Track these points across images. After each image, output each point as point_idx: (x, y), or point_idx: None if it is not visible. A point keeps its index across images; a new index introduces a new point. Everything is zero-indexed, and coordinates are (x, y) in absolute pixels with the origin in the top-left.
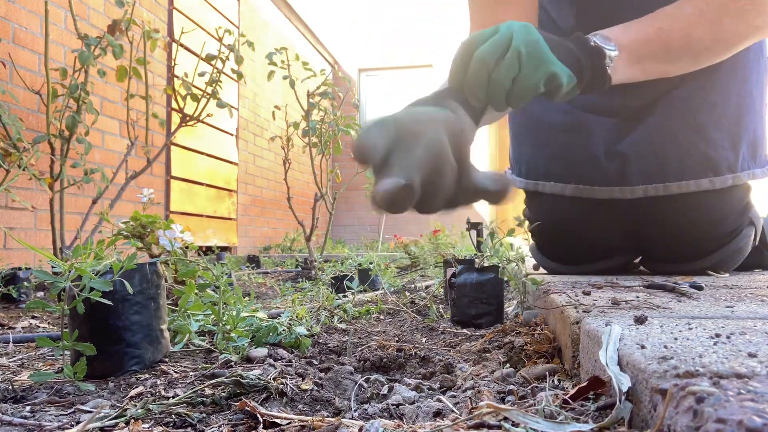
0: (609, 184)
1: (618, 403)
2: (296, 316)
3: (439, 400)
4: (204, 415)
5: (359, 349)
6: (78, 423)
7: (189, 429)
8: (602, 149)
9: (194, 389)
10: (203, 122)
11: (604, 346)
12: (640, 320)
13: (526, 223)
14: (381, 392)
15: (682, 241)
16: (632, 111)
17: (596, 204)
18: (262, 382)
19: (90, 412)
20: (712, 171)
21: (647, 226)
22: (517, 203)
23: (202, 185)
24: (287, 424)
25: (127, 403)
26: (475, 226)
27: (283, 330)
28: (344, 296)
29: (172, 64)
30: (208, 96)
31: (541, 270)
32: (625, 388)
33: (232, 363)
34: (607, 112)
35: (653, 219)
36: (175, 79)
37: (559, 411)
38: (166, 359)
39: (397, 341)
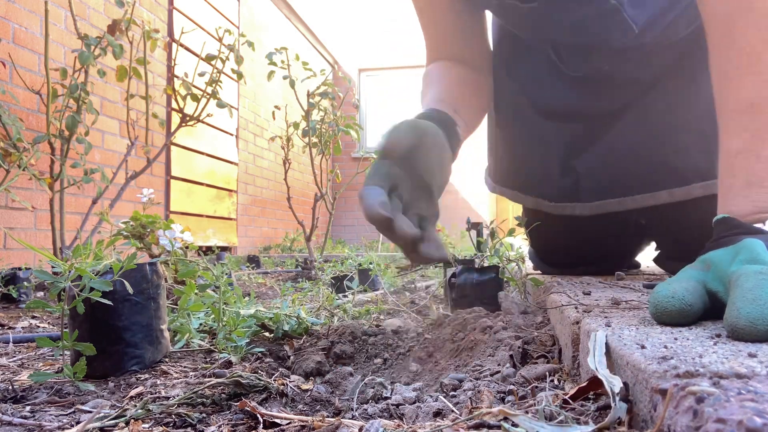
0: (563, 199)
1: (613, 404)
2: None
3: (440, 400)
4: (204, 415)
5: None
6: (78, 423)
7: (189, 429)
8: (558, 164)
9: (194, 389)
10: (203, 122)
11: (591, 351)
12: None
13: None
14: (381, 392)
15: (686, 245)
16: (598, 118)
17: (575, 218)
18: (263, 382)
19: (90, 412)
20: (676, 182)
21: (652, 231)
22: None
23: (202, 185)
24: (287, 424)
25: (126, 403)
26: (475, 226)
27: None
28: (344, 296)
29: (172, 64)
30: (208, 96)
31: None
32: (617, 389)
33: (233, 363)
34: (572, 116)
35: (657, 224)
36: (175, 79)
37: (559, 411)
38: (166, 359)
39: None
